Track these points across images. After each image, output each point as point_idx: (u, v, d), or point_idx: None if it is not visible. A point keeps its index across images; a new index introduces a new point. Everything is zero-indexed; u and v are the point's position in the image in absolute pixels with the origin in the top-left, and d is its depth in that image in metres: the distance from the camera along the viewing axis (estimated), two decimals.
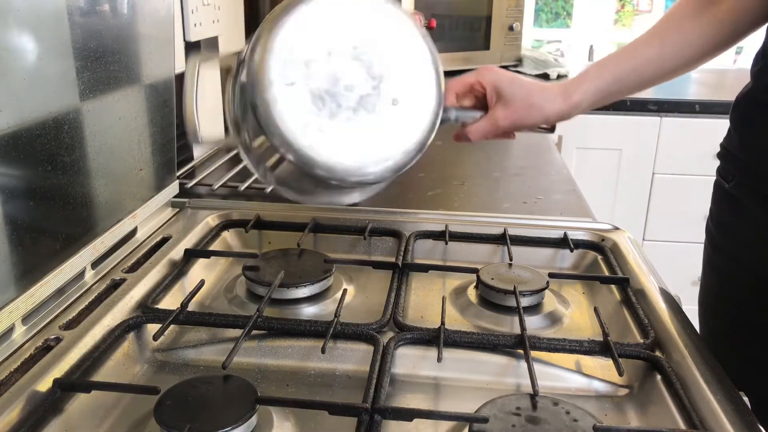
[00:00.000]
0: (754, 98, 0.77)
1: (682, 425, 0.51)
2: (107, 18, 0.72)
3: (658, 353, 0.60)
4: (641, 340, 0.62)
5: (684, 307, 0.68)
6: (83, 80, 0.68)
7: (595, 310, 0.66)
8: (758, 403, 0.53)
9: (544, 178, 1.11)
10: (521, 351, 0.60)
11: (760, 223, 0.75)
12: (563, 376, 0.60)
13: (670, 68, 0.77)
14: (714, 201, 0.85)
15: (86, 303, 0.66)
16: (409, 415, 0.50)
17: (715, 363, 0.57)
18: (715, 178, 0.85)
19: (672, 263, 1.61)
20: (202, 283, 0.70)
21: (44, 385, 0.52)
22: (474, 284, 0.74)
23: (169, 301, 0.69)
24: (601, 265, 0.80)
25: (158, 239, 0.82)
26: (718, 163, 0.84)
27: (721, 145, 0.84)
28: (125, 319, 0.63)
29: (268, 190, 0.99)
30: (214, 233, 0.85)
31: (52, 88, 0.63)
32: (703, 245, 0.88)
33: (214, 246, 0.84)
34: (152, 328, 0.63)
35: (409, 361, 0.61)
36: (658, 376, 0.57)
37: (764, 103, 0.75)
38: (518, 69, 2.28)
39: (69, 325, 0.61)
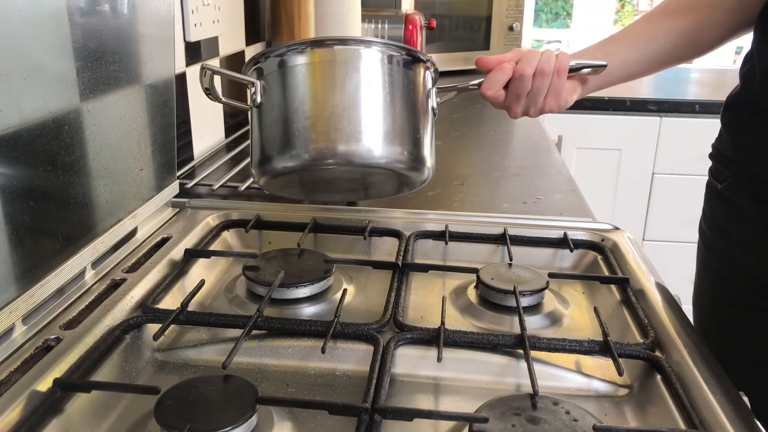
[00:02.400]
0: (744, 100, 0.77)
1: (682, 425, 0.51)
2: (107, 18, 0.72)
3: (658, 353, 0.60)
4: (641, 340, 0.62)
5: (684, 307, 0.68)
6: (83, 80, 0.68)
7: (595, 310, 0.66)
8: (753, 402, 0.53)
9: (544, 178, 1.11)
10: (521, 351, 0.60)
11: (753, 223, 0.75)
12: (563, 376, 0.60)
13: (636, 65, 0.78)
14: (707, 202, 0.85)
15: (86, 303, 0.66)
16: (409, 415, 0.50)
17: (715, 363, 0.57)
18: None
19: (672, 263, 1.61)
20: (202, 283, 0.70)
21: (44, 385, 0.52)
22: (474, 284, 0.74)
23: (169, 301, 0.69)
24: (601, 265, 0.80)
25: (158, 239, 0.82)
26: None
27: (713, 146, 0.84)
28: (125, 319, 0.63)
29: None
30: (214, 233, 0.85)
31: (52, 88, 0.63)
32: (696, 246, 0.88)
33: (214, 246, 0.84)
34: (152, 328, 0.63)
35: (409, 361, 0.61)
36: (658, 376, 0.57)
37: (753, 104, 0.75)
38: None
39: (69, 325, 0.61)
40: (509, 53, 0.73)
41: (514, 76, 0.72)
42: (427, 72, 0.67)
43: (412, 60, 0.65)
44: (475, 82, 0.74)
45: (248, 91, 0.66)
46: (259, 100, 0.65)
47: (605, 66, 0.75)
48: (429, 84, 0.67)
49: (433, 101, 0.68)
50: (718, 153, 0.82)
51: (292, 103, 0.63)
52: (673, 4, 0.79)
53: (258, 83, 0.65)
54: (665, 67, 0.80)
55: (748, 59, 0.76)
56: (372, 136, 0.62)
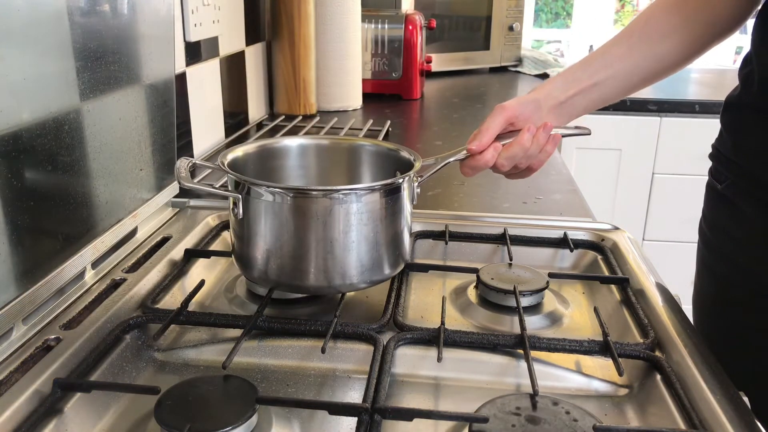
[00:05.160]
0: (743, 101, 0.77)
1: (682, 425, 0.51)
2: (107, 18, 0.72)
3: (658, 353, 0.60)
4: (641, 340, 0.62)
5: (684, 307, 0.68)
6: (83, 80, 0.68)
7: (595, 310, 0.66)
8: (753, 402, 0.53)
9: (544, 178, 1.11)
10: (521, 351, 0.60)
11: (753, 224, 0.75)
12: (563, 376, 0.60)
13: (638, 75, 0.78)
14: (707, 202, 0.85)
15: (86, 303, 0.66)
16: (409, 415, 0.50)
17: (715, 363, 0.57)
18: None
19: (672, 263, 1.61)
20: (202, 283, 0.70)
21: (44, 385, 0.52)
22: (474, 284, 0.74)
23: (169, 301, 0.69)
24: (601, 265, 0.80)
25: (158, 239, 0.82)
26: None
27: (713, 146, 0.84)
28: (125, 319, 0.63)
29: None
30: (214, 233, 0.85)
31: (52, 88, 0.63)
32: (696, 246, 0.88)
33: (214, 246, 0.84)
34: (152, 328, 0.63)
35: (409, 361, 0.61)
36: (658, 376, 0.57)
37: (753, 106, 0.75)
38: (518, 69, 2.28)
39: (69, 325, 0.61)
40: (495, 120, 0.74)
41: (495, 165, 0.75)
42: (410, 184, 0.66)
43: (395, 188, 0.64)
44: (460, 157, 0.75)
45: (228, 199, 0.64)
46: (241, 214, 0.63)
47: (589, 133, 0.79)
48: (412, 192, 0.67)
49: (414, 197, 0.68)
50: (718, 153, 0.82)
51: (273, 235, 0.62)
52: (652, 27, 0.78)
53: (239, 199, 0.62)
54: (642, 87, 0.81)
55: (748, 61, 0.76)
56: (353, 272, 0.63)
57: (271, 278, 0.64)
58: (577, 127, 0.78)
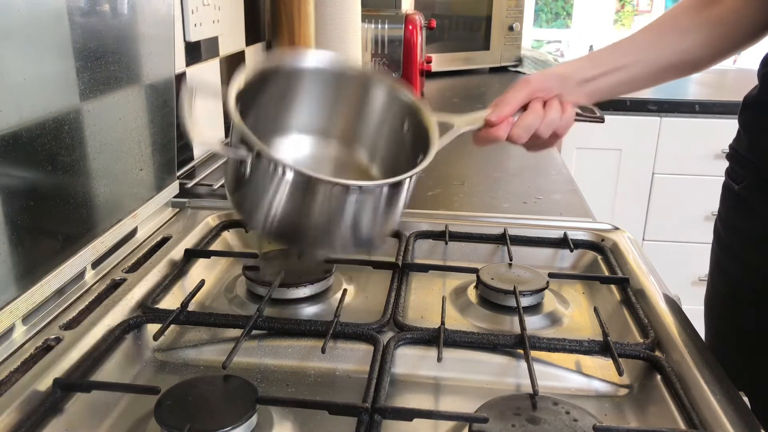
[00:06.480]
0: (762, 100, 0.77)
1: (682, 425, 0.51)
2: (107, 18, 0.72)
3: (658, 353, 0.60)
4: (641, 340, 0.62)
5: (684, 307, 0.68)
6: (83, 80, 0.68)
7: (595, 310, 0.66)
8: (754, 403, 0.53)
9: (544, 178, 1.11)
10: (521, 351, 0.60)
11: (767, 224, 0.75)
12: (563, 376, 0.60)
13: (665, 65, 0.77)
14: (723, 202, 0.85)
15: (86, 303, 0.66)
16: (409, 415, 0.50)
17: (715, 363, 0.57)
18: (718, 178, 0.85)
19: (672, 263, 1.61)
20: (202, 283, 0.70)
21: (44, 385, 0.52)
22: (474, 284, 0.74)
23: (169, 301, 0.69)
24: (601, 265, 0.80)
25: (158, 239, 0.82)
26: (718, 163, 0.85)
27: (730, 146, 0.84)
28: (125, 319, 0.63)
29: None
30: (214, 233, 0.85)
31: (52, 88, 0.63)
32: (707, 245, 0.88)
33: (215, 246, 0.84)
34: (152, 328, 0.63)
35: (409, 361, 0.61)
36: (658, 376, 0.57)
37: None
38: (518, 69, 2.28)
39: (69, 325, 0.61)
40: (518, 93, 0.71)
41: (510, 136, 0.71)
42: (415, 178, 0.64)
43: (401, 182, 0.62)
44: (474, 127, 0.71)
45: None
46: (248, 173, 0.59)
47: (602, 120, 0.76)
48: (412, 183, 0.65)
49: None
50: (735, 153, 0.82)
51: (280, 204, 0.59)
52: (679, 20, 0.78)
53: (248, 160, 0.58)
54: (668, 79, 0.80)
55: (766, 62, 0.77)
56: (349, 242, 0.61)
57: (268, 232, 0.61)
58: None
